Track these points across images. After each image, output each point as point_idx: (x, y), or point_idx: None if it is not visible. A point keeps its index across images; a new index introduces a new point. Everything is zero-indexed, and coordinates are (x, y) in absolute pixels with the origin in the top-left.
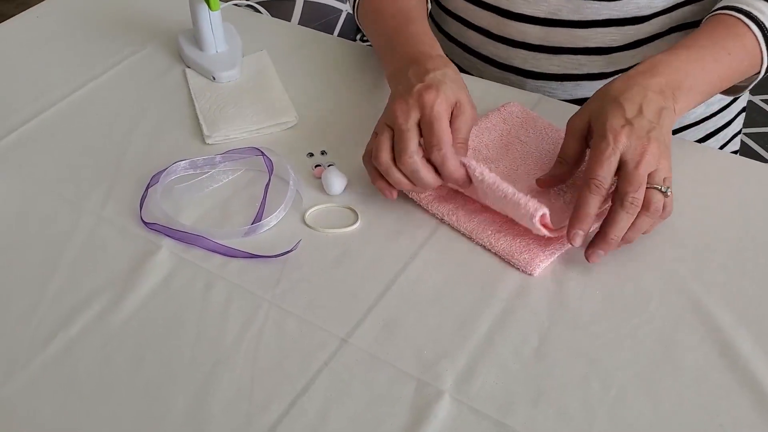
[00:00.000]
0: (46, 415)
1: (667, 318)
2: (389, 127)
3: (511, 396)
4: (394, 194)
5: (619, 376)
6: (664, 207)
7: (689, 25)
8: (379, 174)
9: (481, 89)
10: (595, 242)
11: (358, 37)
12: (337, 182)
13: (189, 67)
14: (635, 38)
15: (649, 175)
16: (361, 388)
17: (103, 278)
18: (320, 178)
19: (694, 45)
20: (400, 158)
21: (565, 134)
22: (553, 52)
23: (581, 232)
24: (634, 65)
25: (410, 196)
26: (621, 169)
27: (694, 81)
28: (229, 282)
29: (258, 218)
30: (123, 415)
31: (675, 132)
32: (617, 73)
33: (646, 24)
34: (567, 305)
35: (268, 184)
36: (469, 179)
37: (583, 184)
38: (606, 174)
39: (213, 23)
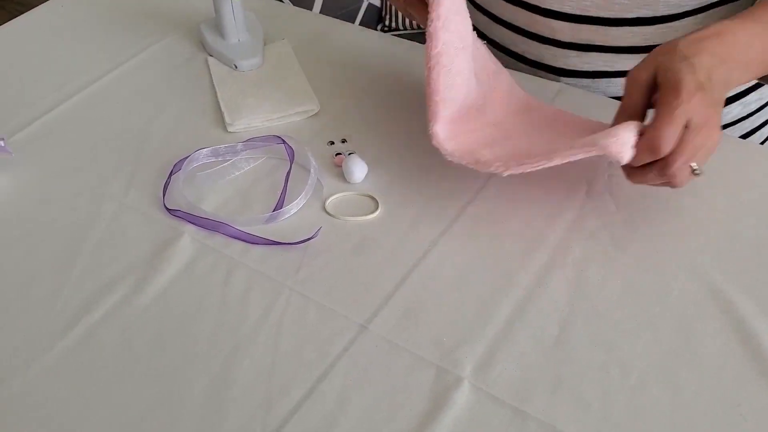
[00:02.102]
0: (68, 399)
1: (687, 307)
2: None
3: (530, 383)
4: None
5: (638, 364)
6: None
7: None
8: None
9: None
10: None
11: (379, 26)
12: (357, 170)
13: (211, 56)
14: (668, 37)
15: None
16: (380, 375)
17: (126, 264)
18: (341, 166)
19: (760, 19)
20: None
21: (628, 86)
22: (583, 50)
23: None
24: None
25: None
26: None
27: (753, 59)
28: (250, 268)
29: (279, 206)
30: (143, 398)
31: None
32: None
33: (678, 23)
34: (587, 293)
35: (289, 172)
36: None
37: (648, 138)
38: (673, 133)
39: (235, 12)
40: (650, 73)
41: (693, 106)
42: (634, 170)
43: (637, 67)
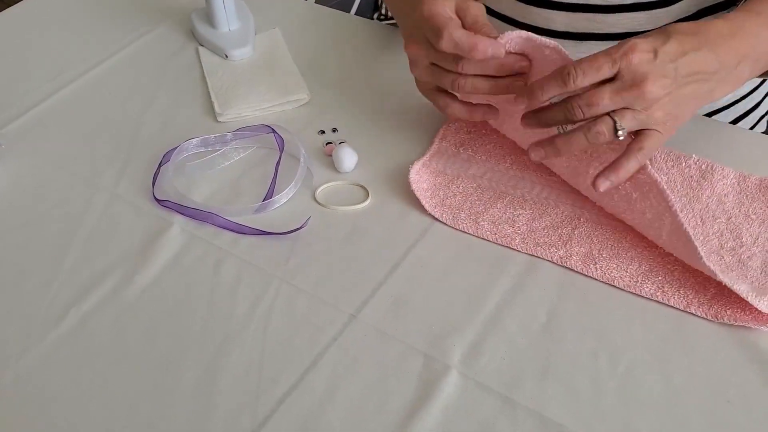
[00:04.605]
0: (61, 388)
1: None
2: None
3: (518, 371)
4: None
5: (627, 351)
6: (635, 146)
7: (719, 6)
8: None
9: None
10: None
11: (375, 15)
12: (347, 159)
13: (202, 45)
14: (664, 21)
15: (621, 110)
16: (369, 364)
17: (116, 254)
18: (331, 155)
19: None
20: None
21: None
22: (579, 39)
23: (528, 94)
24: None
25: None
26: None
27: (763, 51)
28: (239, 259)
29: (269, 195)
30: (135, 387)
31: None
32: None
33: (675, 6)
34: (576, 281)
35: (278, 162)
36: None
37: (560, 67)
38: (587, 72)
39: (225, 1)
40: None
41: (629, 60)
42: (535, 110)
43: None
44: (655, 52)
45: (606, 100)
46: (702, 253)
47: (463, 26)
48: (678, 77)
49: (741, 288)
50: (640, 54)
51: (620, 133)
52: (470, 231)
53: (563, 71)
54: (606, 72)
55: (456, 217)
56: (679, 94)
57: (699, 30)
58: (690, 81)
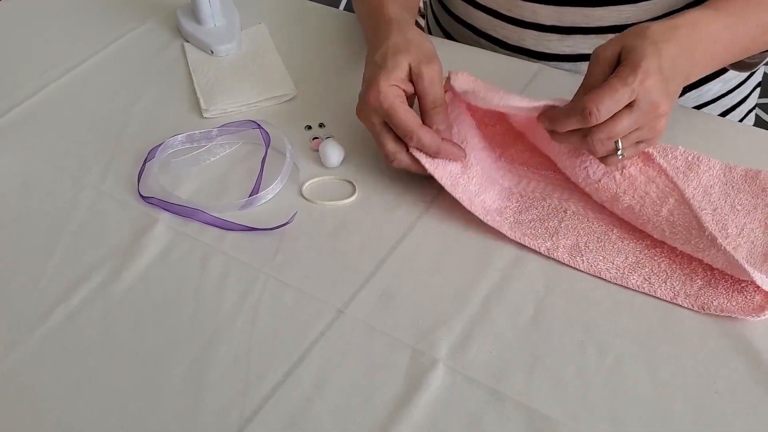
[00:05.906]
0: (49, 385)
1: None
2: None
3: (505, 364)
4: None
5: (615, 343)
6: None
7: None
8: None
9: (475, 59)
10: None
11: None
12: (334, 154)
13: (187, 42)
14: (651, 15)
15: (630, 133)
16: (357, 357)
17: (103, 251)
18: (318, 150)
19: (733, 11)
20: (388, 163)
21: (591, 63)
22: (566, 33)
23: (548, 123)
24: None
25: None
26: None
27: (719, 51)
28: (226, 255)
29: (255, 191)
30: (123, 383)
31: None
32: None
33: None
34: (563, 274)
35: (265, 157)
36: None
37: (581, 101)
38: (609, 107)
39: None
40: (615, 52)
41: (646, 87)
42: (557, 131)
43: (602, 46)
44: (662, 72)
45: (624, 131)
46: (707, 225)
47: (416, 90)
48: (676, 88)
49: (740, 254)
50: (654, 78)
51: (620, 153)
52: (465, 204)
53: (584, 110)
54: (625, 102)
55: (454, 186)
56: (674, 100)
57: (673, 34)
58: (680, 84)
